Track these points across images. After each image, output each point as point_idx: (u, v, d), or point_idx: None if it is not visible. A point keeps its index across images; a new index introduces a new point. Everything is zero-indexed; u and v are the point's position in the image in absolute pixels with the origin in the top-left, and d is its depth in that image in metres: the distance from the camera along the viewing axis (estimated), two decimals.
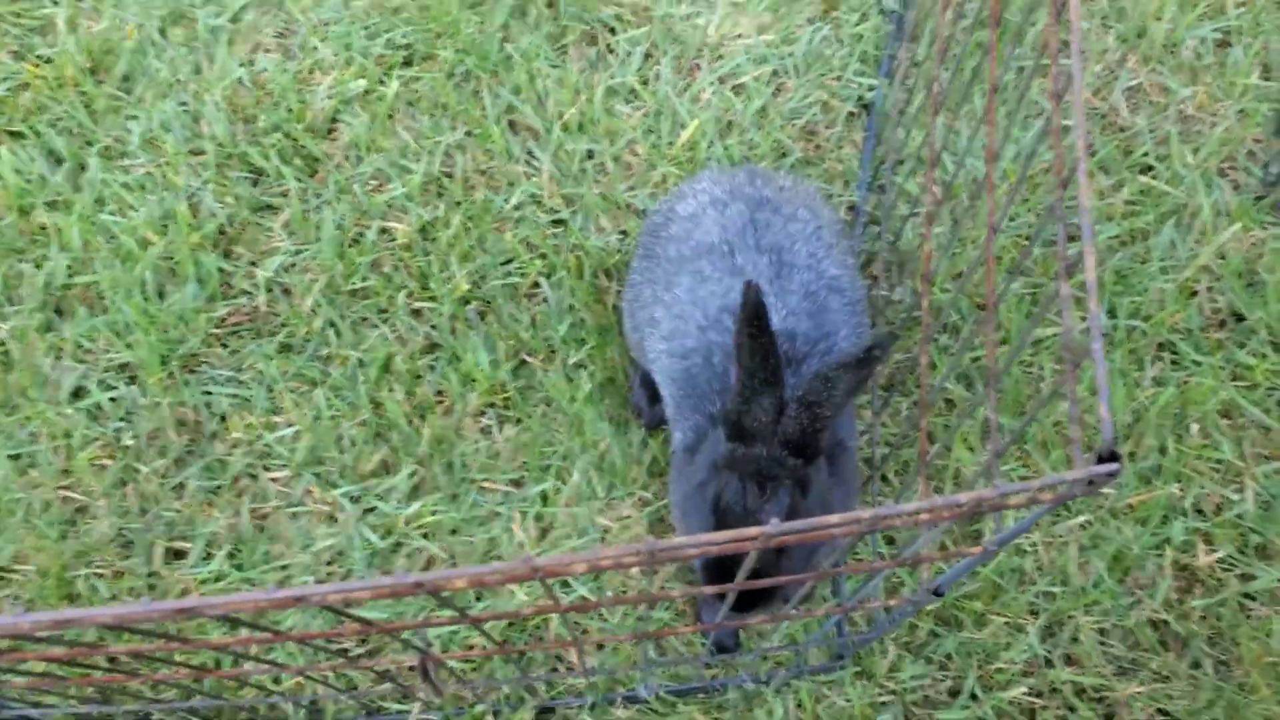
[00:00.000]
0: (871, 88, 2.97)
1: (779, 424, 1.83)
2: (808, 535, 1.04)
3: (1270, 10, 3.07)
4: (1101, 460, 1.01)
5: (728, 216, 2.14)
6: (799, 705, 2.39)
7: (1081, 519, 2.54)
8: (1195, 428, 2.61)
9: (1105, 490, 2.52)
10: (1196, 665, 2.45)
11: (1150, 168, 2.90)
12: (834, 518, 0.96)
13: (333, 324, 2.68)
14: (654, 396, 2.54)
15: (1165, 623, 2.48)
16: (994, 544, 1.32)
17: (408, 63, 2.96)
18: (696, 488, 1.94)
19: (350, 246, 2.75)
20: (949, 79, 2.83)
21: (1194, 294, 2.75)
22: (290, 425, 2.59)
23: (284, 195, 2.79)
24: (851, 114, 2.96)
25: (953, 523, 1.20)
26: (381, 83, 2.92)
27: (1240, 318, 2.74)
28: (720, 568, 1.87)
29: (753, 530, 0.96)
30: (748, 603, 1.88)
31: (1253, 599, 2.51)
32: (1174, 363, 2.69)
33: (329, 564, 2.50)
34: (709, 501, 1.87)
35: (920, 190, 2.78)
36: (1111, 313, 2.71)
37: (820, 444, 1.86)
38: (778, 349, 1.79)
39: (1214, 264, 2.77)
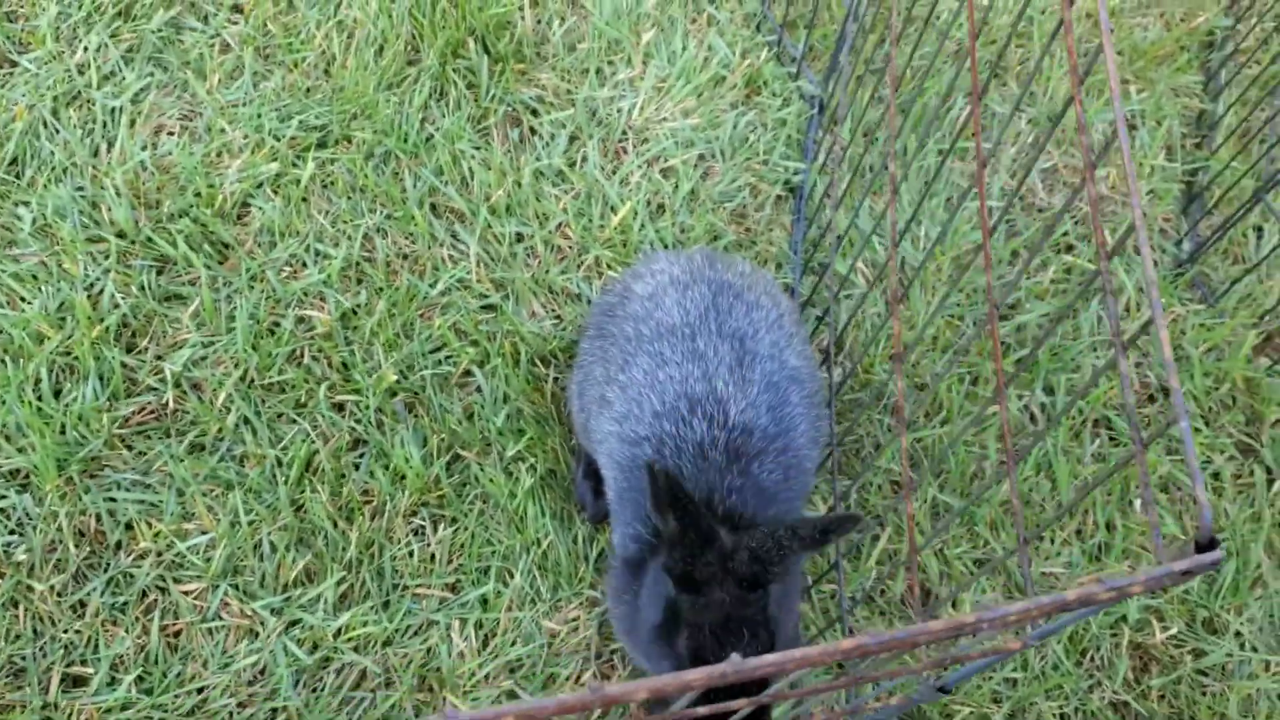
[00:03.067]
0: (797, 171, 2.96)
1: (729, 565, 1.75)
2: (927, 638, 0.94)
3: (1169, 97, 3.19)
4: (1200, 548, 0.94)
5: (689, 299, 2.07)
6: None
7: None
8: (1138, 504, 2.62)
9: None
10: None
11: (1072, 246, 2.95)
12: (935, 624, 0.86)
13: (248, 421, 2.49)
14: (599, 488, 2.42)
15: (1126, 704, 2.44)
16: (1035, 638, 1.24)
17: (322, 144, 2.82)
18: (657, 631, 1.84)
19: (265, 337, 2.58)
20: (893, 162, 2.84)
21: None
22: (204, 532, 2.38)
23: (193, 284, 2.61)
24: (779, 197, 2.94)
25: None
26: (295, 165, 2.77)
27: (1167, 392, 2.78)
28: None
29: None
30: None
31: (1206, 675, 2.50)
32: (1111, 439, 2.70)
33: (250, 684, 2.28)
34: (687, 655, 1.77)
35: (850, 272, 2.76)
36: (1049, 390, 2.71)
37: (774, 575, 1.78)
38: (701, 510, 1.73)
39: (1140, 340, 2.81)
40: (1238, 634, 2.53)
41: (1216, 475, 2.69)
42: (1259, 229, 3.02)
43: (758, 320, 2.06)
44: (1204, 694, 2.47)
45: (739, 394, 2.00)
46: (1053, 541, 2.58)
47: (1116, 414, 2.71)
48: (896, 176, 2.03)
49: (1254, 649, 2.52)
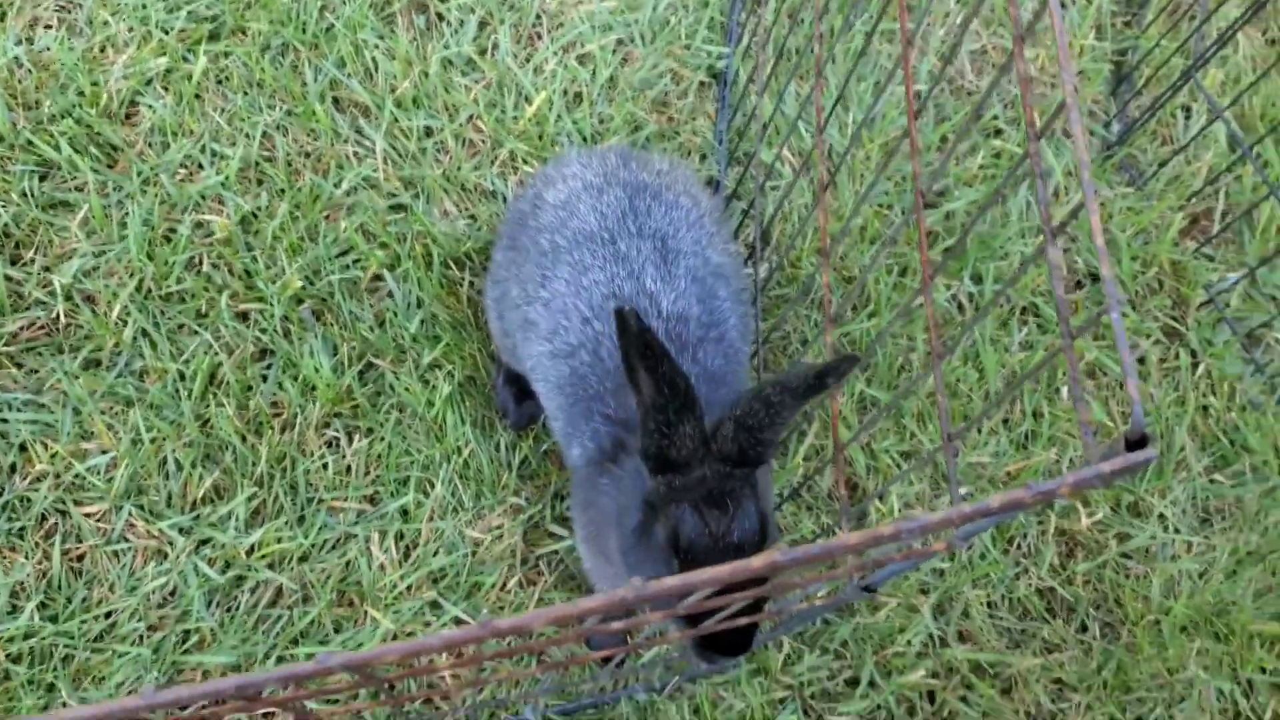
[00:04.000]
0: (720, 56, 2.84)
1: (711, 444, 1.61)
2: (817, 558, 0.89)
3: None
4: (1131, 446, 0.89)
5: (605, 203, 1.96)
6: (695, 711, 2.25)
7: (962, 490, 2.49)
8: (1065, 391, 2.60)
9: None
10: (1084, 629, 2.44)
11: (1000, 130, 2.88)
12: (851, 537, 0.80)
13: (146, 334, 2.37)
14: (521, 394, 2.35)
15: (1052, 590, 2.46)
16: (961, 538, 1.20)
17: (214, 36, 2.64)
18: (636, 533, 1.67)
19: (161, 245, 2.44)
20: (818, 44, 2.73)
21: None
22: (104, 452, 2.27)
23: (80, 190, 2.45)
24: (703, 84, 2.82)
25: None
26: (186, 60, 2.60)
27: (1096, 277, 2.75)
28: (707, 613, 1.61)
29: (767, 559, 0.79)
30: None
31: (1130, 558, 2.52)
32: (1039, 326, 2.67)
33: (160, 606, 2.20)
34: (665, 541, 1.61)
35: (775, 160, 2.67)
36: (978, 279, 2.67)
37: (766, 453, 1.63)
38: (679, 367, 1.56)
39: (1070, 225, 2.77)
40: (1161, 516, 2.55)
41: (1142, 360, 2.67)
42: (1187, 109, 2.97)
43: (678, 220, 1.97)
44: (1128, 576, 2.49)
45: (667, 288, 1.91)
46: (980, 431, 2.56)
47: (1044, 301, 2.68)
48: (822, 58, 1.93)
49: (1177, 530, 2.54)
